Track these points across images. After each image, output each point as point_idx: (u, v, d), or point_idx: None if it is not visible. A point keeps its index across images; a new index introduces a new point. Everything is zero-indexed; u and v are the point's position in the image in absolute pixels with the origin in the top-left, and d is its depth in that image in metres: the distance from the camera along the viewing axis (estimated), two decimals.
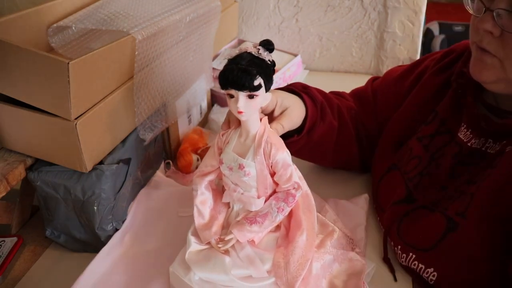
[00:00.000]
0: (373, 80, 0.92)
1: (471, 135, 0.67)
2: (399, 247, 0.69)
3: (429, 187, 0.69)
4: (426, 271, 0.64)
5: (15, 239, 0.75)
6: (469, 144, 0.66)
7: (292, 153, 0.65)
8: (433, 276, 0.63)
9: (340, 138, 0.81)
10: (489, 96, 0.68)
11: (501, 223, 0.58)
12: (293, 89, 0.76)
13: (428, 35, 2.41)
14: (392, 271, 0.69)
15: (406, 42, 1.31)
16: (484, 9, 0.58)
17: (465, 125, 0.68)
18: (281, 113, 0.69)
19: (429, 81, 0.76)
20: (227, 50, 1.25)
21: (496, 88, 0.63)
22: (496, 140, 0.64)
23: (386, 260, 0.70)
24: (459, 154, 0.67)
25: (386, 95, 0.85)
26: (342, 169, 0.90)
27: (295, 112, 0.71)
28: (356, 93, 0.92)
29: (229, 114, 0.65)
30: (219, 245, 0.63)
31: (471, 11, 0.62)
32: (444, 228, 0.63)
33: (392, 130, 0.81)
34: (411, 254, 0.66)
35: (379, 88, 0.88)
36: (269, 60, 0.57)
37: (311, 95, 0.76)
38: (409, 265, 0.67)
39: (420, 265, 0.65)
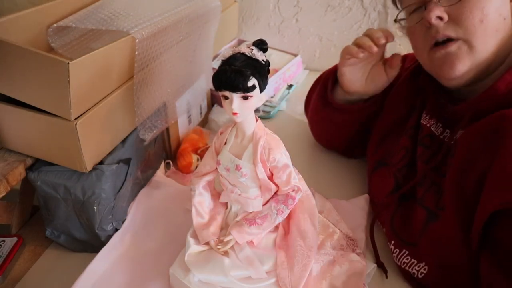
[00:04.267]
0: None
1: (430, 120, 0.72)
2: (393, 242, 0.69)
3: (412, 175, 0.72)
4: (418, 265, 0.64)
5: (15, 239, 0.75)
6: (427, 125, 0.72)
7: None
8: (425, 269, 0.64)
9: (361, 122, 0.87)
10: (446, 90, 0.72)
11: (470, 208, 0.58)
12: None
13: None
14: (385, 270, 0.69)
15: (406, 42, 1.30)
16: (424, 6, 0.63)
17: (425, 112, 0.74)
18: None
19: (406, 82, 0.81)
20: (227, 50, 1.25)
21: (465, 79, 0.64)
22: (452, 129, 0.67)
23: (379, 263, 0.70)
24: (420, 134, 0.72)
25: None
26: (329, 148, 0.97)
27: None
28: None
29: None
30: (218, 247, 0.63)
31: (415, 21, 0.67)
32: (425, 220, 0.64)
33: (378, 126, 0.84)
34: (404, 250, 0.67)
35: None
36: (263, 60, 0.56)
37: None
38: (401, 260, 0.67)
39: (413, 260, 0.65)
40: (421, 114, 0.75)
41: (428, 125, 0.71)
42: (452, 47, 0.62)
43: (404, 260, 0.66)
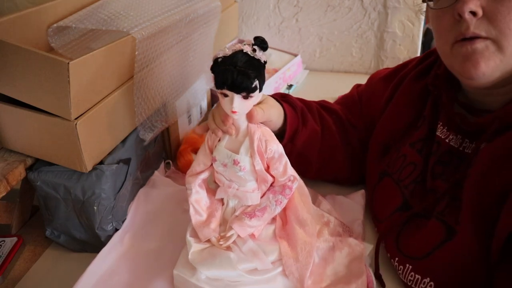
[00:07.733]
0: (357, 86, 0.93)
1: (448, 132, 0.66)
2: (396, 259, 0.67)
3: (423, 192, 0.68)
4: (423, 281, 0.62)
5: (15, 239, 0.75)
6: (447, 140, 0.66)
7: None
8: (430, 286, 0.61)
9: (324, 144, 0.80)
10: (462, 96, 0.67)
11: (489, 221, 0.56)
12: (273, 97, 0.76)
13: (428, 35, 2.41)
14: (383, 284, 0.67)
15: (406, 42, 1.31)
16: None
17: (441, 123, 0.68)
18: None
19: (409, 86, 0.75)
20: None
21: (486, 81, 0.59)
22: (472, 140, 0.63)
23: (377, 276, 0.67)
24: (438, 152, 0.67)
25: (370, 96, 0.85)
26: (331, 182, 0.86)
27: (273, 109, 0.70)
28: (343, 99, 0.92)
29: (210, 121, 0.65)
30: (221, 242, 0.63)
31: (444, 5, 0.58)
32: (443, 236, 0.61)
33: (379, 136, 0.80)
34: (407, 265, 0.64)
35: (364, 91, 0.88)
36: (263, 61, 0.58)
37: (291, 102, 0.77)
38: (407, 277, 0.64)
39: (417, 276, 0.63)
40: (431, 126, 0.70)
41: (447, 140, 0.66)
42: (479, 45, 0.56)
43: (409, 277, 0.64)
